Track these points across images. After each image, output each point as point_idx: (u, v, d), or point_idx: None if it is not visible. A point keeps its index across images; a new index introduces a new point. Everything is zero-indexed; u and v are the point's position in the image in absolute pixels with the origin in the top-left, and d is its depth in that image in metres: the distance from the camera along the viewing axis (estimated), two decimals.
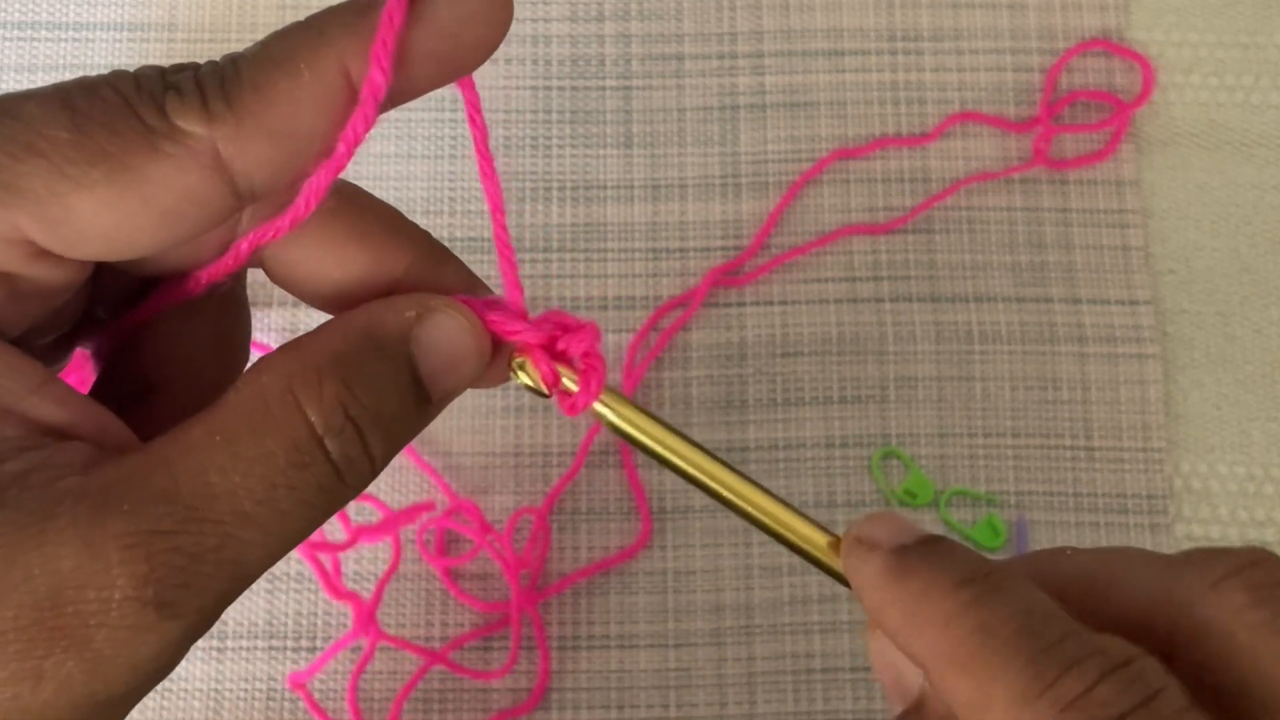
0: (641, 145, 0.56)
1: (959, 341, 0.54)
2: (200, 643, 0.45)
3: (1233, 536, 0.52)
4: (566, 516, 0.52)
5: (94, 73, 0.25)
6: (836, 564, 0.28)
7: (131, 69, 0.25)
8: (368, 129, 0.25)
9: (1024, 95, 0.57)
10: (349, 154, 0.25)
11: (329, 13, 0.25)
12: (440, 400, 0.28)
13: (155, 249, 0.26)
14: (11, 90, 0.54)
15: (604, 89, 0.57)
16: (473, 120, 0.28)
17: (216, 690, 0.50)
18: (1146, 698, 0.23)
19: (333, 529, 0.51)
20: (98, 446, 0.26)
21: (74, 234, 0.24)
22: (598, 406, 0.29)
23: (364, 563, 0.51)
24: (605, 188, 0.56)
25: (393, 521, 0.50)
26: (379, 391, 0.26)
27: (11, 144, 0.24)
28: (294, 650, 0.50)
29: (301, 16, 0.25)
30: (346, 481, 0.26)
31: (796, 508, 0.29)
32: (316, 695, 0.50)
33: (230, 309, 0.32)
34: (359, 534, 0.50)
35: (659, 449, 0.29)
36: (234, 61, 0.25)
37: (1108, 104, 0.56)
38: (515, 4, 0.25)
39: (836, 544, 0.29)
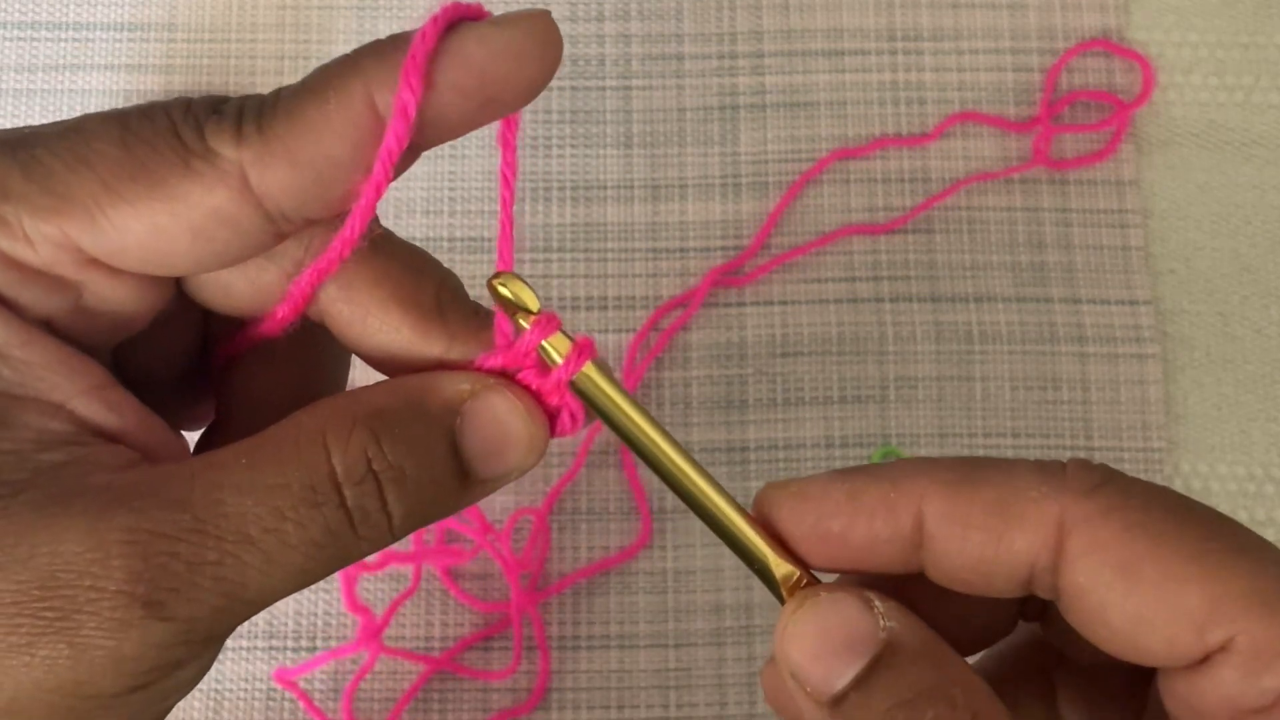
0: (641, 145, 0.56)
1: (959, 341, 0.54)
2: None
3: None
4: (566, 517, 0.52)
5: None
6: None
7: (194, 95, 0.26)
8: (400, 146, 0.25)
9: (1024, 95, 0.57)
10: (386, 172, 0.25)
11: (366, 46, 0.26)
12: (485, 481, 0.27)
13: (192, 267, 0.27)
14: (10, 90, 0.54)
15: (604, 89, 0.57)
16: (505, 178, 0.28)
17: (216, 690, 0.50)
18: None
19: None
20: (144, 454, 0.27)
21: (115, 243, 0.25)
22: (579, 379, 0.28)
23: (377, 575, 0.51)
24: (605, 188, 0.56)
25: (420, 555, 0.51)
26: (410, 453, 0.26)
27: (68, 155, 0.25)
28: (294, 650, 0.50)
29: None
30: (359, 533, 0.26)
31: (760, 528, 0.29)
32: (316, 697, 0.50)
33: (310, 361, 0.32)
34: (389, 559, 0.51)
35: (638, 437, 0.28)
36: (278, 91, 0.26)
37: (1108, 104, 0.56)
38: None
39: (794, 583, 0.29)
